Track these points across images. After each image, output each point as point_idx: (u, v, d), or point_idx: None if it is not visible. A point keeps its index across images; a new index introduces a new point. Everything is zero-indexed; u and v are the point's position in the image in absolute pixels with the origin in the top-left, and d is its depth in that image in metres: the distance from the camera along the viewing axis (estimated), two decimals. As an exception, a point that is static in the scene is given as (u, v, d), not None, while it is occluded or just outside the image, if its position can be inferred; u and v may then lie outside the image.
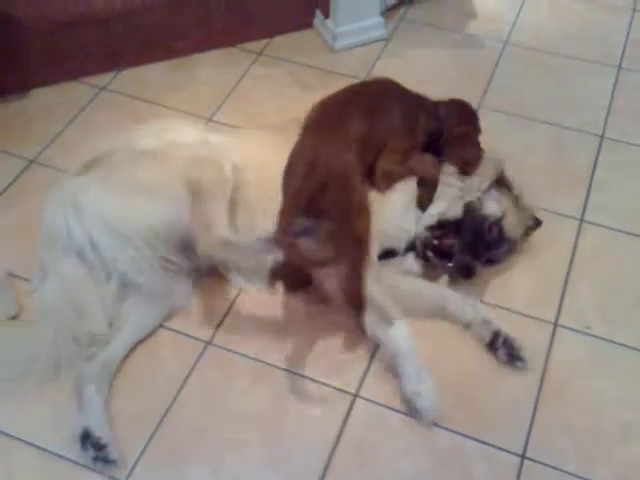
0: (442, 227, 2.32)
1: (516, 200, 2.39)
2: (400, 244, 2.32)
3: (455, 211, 2.32)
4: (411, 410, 2.04)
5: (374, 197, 2.25)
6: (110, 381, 2.07)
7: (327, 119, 2.27)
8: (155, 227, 2.14)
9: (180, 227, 2.15)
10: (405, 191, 2.33)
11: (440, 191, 2.36)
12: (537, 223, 2.44)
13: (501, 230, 2.33)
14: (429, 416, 2.02)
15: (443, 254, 2.29)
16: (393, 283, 2.27)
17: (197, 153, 2.27)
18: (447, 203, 2.33)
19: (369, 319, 2.12)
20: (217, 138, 2.40)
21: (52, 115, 2.92)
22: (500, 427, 2.05)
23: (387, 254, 2.31)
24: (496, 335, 2.17)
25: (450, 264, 2.29)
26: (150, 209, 2.14)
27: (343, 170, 2.06)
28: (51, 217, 2.18)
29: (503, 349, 2.16)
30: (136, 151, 2.26)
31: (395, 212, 2.29)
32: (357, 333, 2.19)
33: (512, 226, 2.35)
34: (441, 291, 2.30)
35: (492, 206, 2.34)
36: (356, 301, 2.11)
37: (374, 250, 2.22)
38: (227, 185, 2.24)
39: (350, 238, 2.03)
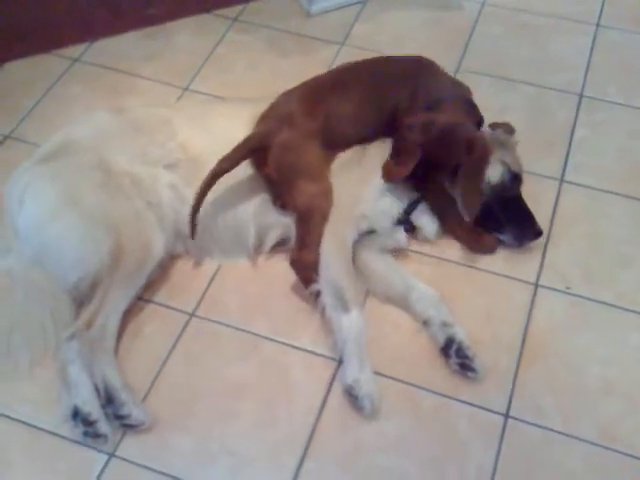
0: None
1: (496, 142, 2.38)
2: (381, 225, 2.30)
3: None
4: (351, 400, 2.02)
5: (353, 181, 2.27)
6: (94, 355, 2.03)
7: (317, 85, 2.36)
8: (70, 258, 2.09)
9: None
10: None
11: None
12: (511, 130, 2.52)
13: (513, 174, 2.37)
14: (368, 405, 1.99)
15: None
16: (366, 261, 2.28)
17: (141, 211, 2.17)
18: None
19: (326, 301, 2.13)
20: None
21: (26, 89, 2.88)
22: (483, 387, 2.07)
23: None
24: (450, 341, 2.10)
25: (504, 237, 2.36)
26: (71, 241, 2.09)
27: (293, 135, 2.16)
28: (7, 201, 2.19)
29: (455, 358, 2.08)
30: (98, 160, 2.20)
31: (373, 195, 2.27)
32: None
33: (514, 161, 2.41)
34: (410, 281, 2.24)
35: (491, 170, 2.31)
36: (304, 273, 2.15)
37: (347, 232, 2.22)
38: (144, 270, 2.14)
39: (295, 206, 2.16)
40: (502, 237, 2.37)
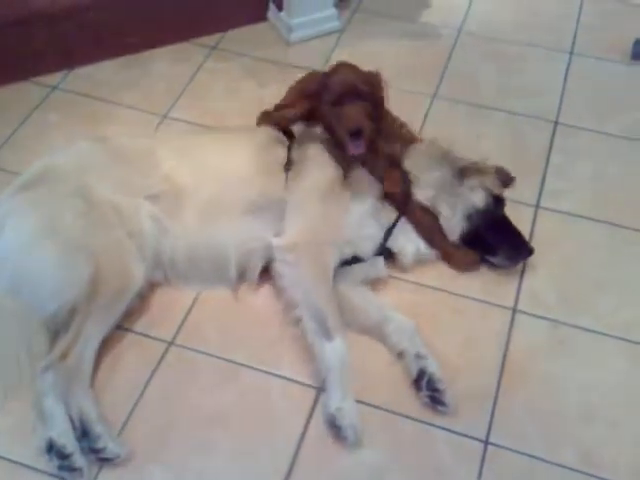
0: None
1: (475, 169, 2.42)
2: (365, 251, 2.31)
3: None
4: (333, 430, 2.00)
5: (334, 207, 2.28)
6: (69, 387, 2.00)
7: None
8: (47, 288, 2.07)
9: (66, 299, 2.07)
10: (367, 199, 2.33)
11: None
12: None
13: (495, 197, 2.41)
14: (351, 435, 1.98)
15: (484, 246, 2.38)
16: (343, 292, 2.27)
17: (121, 240, 2.15)
18: None
19: (308, 326, 2.13)
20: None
21: (4, 117, 2.87)
22: (463, 414, 2.07)
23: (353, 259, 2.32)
24: (421, 373, 2.08)
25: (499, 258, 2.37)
26: (48, 269, 2.07)
27: None
28: None
29: (426, 390, 2.06)
30: (79, 188, 2.18)
31: (356, 220, 2.29)
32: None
33: (494, 185, 2.43)
34: (386, 313, 2.23)
35: (475, 196, 2.38)
36: None
37: (329, 257, 2.22)
38: (122, 300, 2.12)
39: None
40: (494, 260, 2.38)
